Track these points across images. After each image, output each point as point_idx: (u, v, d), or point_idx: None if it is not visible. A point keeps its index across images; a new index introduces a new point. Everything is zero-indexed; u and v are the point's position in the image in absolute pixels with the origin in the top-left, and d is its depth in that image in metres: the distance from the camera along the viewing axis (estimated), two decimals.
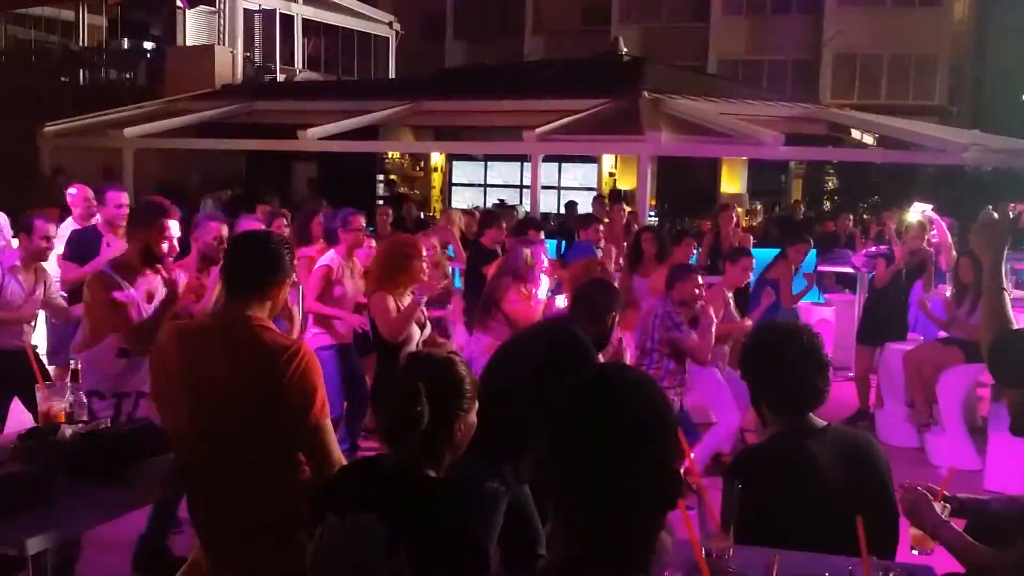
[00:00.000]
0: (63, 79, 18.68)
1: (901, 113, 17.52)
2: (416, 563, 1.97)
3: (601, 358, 4.14)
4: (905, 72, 26.14)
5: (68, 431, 2.92)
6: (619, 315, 4.05)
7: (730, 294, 6.48)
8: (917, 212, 7.71)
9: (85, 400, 3.21)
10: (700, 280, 5.65)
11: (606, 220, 10.23)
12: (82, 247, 5.65)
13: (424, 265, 4.82)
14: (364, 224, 5.96)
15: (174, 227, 4.08)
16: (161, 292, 4.00)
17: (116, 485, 2.78)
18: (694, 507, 2.23)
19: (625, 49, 17.52)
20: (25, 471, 2.76)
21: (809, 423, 2.59)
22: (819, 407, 2.61)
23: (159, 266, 3.98)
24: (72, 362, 3.26)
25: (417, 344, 4.73)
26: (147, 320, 3.89)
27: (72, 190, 6.58)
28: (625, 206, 10.00)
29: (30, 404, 4.01)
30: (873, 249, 8.51)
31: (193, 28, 19.11)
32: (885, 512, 2.54)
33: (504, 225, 8.10)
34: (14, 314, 4.81)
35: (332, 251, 5.82)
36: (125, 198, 5.93)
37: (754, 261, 6.66)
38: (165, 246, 4.00)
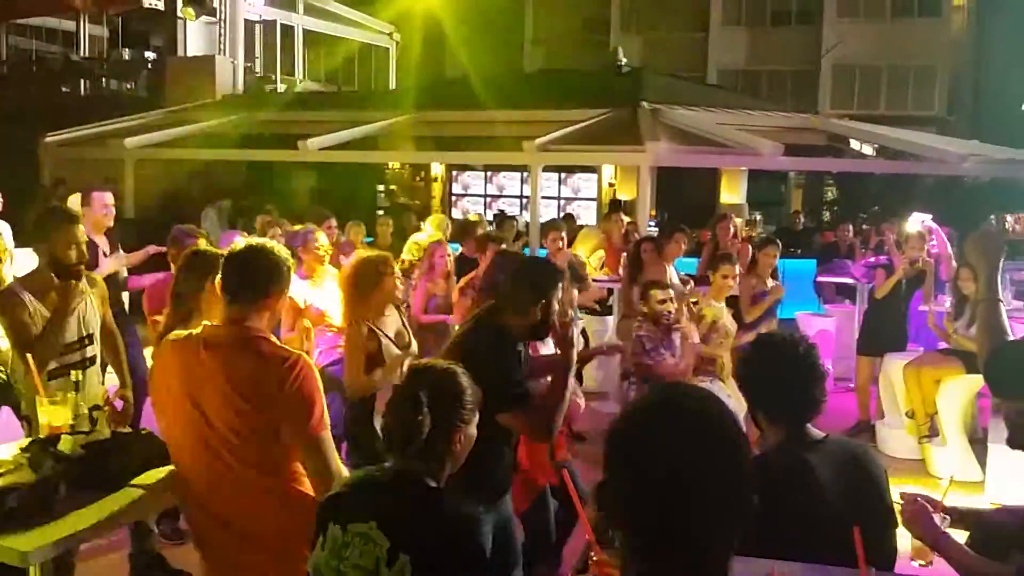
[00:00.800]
0: (64, 89, 18.74)
1: (900, 123, 17.55)
2: (416, 573, 1.98)
3: (549, 347, 4.00)
4: (904, 82, 26.22)
5: (69, 442, 2.93)
6: (559, 296, 3.44)
7: (721, 304, 6.29)
8: (916, 222, 7.71)
9: (87, 411, 3.22)
10: (669, 295, 5.60)
11: (604, 230, 10.27)
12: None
13: (397, 281, 4.36)
14: (327, 242, 5.92)
15: (81, 233, 3.84)
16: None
17: (117, 496, 2.79)
18: None
19: (625, 60, 17.55)
20: (26, 483, 2.77)
21: (807, 434, 2.59)
22: (817, 418, 2.62)
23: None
24: (73, 374, 3.26)
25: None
26: (39, 335, 3.70)
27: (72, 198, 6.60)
28: (624, 216, 10.02)
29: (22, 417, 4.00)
30: (872, 259, 8.52)
31: (194, 38, 19.16)
32: (884, 523, 2.54)
33: (479, 235, 8.03)
34: None
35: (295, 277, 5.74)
36: (110, 198, 5.86)
37: (736, 268, 6.49)
38: (73, 254, 3.78)
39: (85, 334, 3.92)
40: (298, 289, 5.42)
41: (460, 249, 8.03)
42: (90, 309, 3.96)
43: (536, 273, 3.52)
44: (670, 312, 5.51)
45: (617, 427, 1.44)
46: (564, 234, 8.19)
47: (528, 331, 3.39)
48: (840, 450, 2.62)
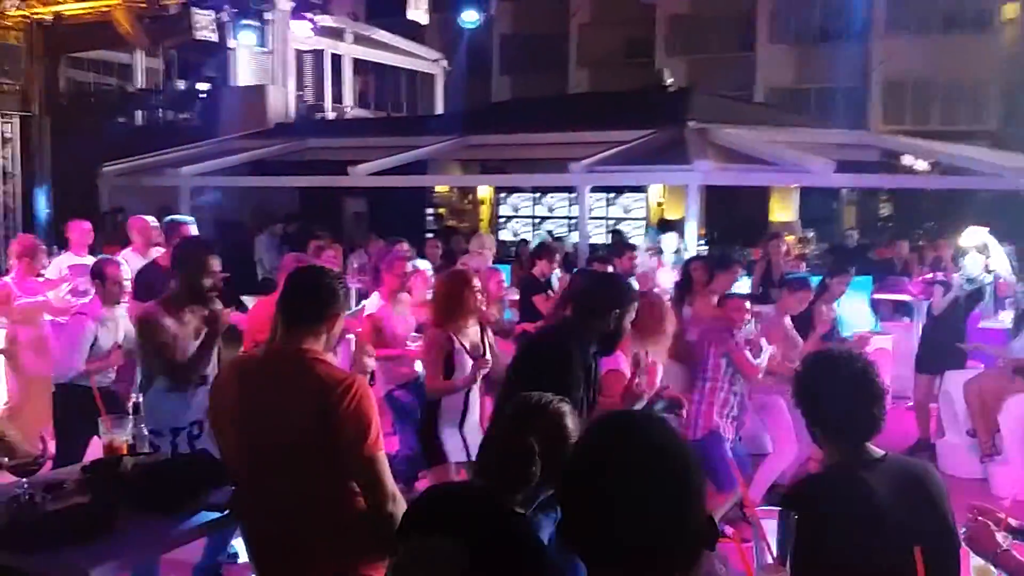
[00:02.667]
0: (121, 120, 19.20)
1: (954, 139, 17.25)
2: None
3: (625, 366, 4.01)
4: (957, 97, 25.77)
5: (130, 463, 2.99)
6: (630, 315, 3.61)
7: (788, 320, 6.27)
8: (973, 238, 7.57)
9: (147, 433, 3.28)
10: (747, 305, 5.61)
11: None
12: (146, 284, 5.75)
13: (479, 296, 4.64)
14: (407, 270, 6.03)
15: (216, 262, 4.11)
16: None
17: (176, 516, 2.83)
18: (750, 539, 2.21)
19: (670, 80, 17.54)
20: (88, 502, 2.83)
21: (866, 453, 2.54)
22: (875, 436, 2.58)
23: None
24: (133, 396, 3.33)
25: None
26: (190, 357, 3.95)
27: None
28: (677, 236, 9.98)
29: None
30: (930, 276, 8.37)
31: (246, 69, 19.56)
32: (945, 542, 2.48)
33: (556, 257, 8.14)
34: (102, 362, 4.91)
35: (376, 296, 5.88)
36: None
37: (811, 293, 6.43)
38: (209, 282, 4.03)
39: None
40: (377, 312, 5.72)
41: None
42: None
43: (615, 284, 3.74)
44: (746, 322, 5.50)
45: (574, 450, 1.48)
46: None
47: (600, 341, 3.48)
48: (900, 469, 2.57)
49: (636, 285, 6.32)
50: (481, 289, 4.73)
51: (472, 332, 4.61)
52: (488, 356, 4.53)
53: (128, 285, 5.19)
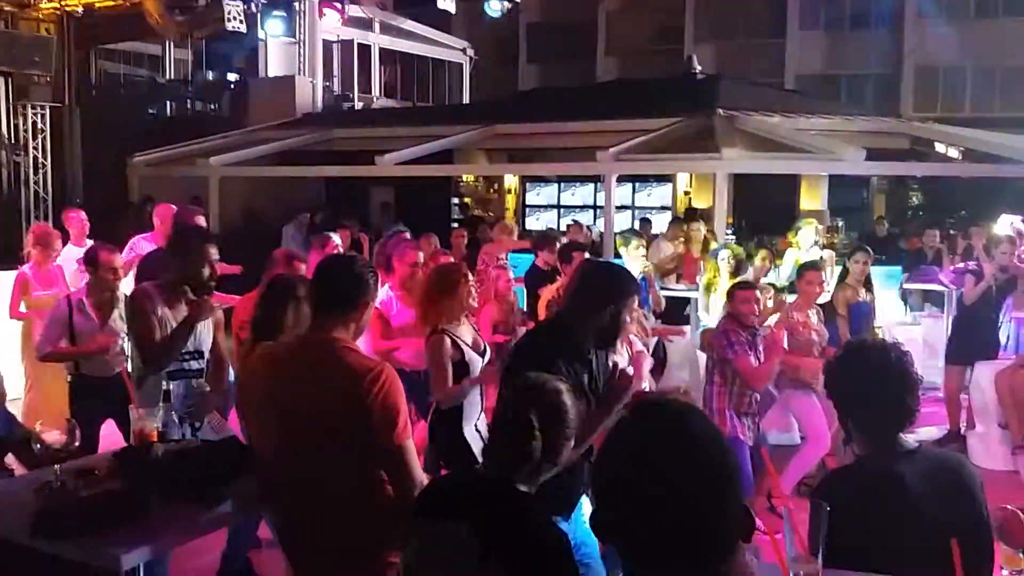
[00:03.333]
0: (151, 111, 19.37)
1: (987, 126, 16.98)
2: (506, 572, 1.99)
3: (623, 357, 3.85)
4: (990, 83, 25.35)
5: (160, 450, 3.02)
6: (629, 310, 3.41)
7: (812, 312, 6.16)
8: (1006, 226, 7.46)
9: (177, 420, 3.31)
10: (756, 296, 5.51)
11: (682, 240, 10.15)
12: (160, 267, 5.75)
13: (472, 289, 4.47)
14: (420, 260, 5.96)
15: (214, 252, 4.08)
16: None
17: (206, 503, 2.85)
18: (781, 531, 2.19)
19: (699, 67, 17.38)
20: (120, 489, 2.86)
21: (899, 444, 2.51)
22: (909, 427, 2.54)
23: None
24: (163, 383, 3.36)
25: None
26: (163, 340, 3.94)
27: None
28: (702, 225, 9.90)
29: (123, 427, 4.15)
30: (961, 265, 8.26)
31: (274, 59, 19.63)
32: (980, 535, 2.45)
33: (557, 246, 8.03)
34: (84, 347, 4.88)
35: (386, 287, 5.80)
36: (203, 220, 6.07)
37: (819, 275, 6.31)
38: (207, 271, 4.01)
39: (194, 349, 4.11)
40: (385, 302, 5.58)
41: (536, 259, 8.03)
42: (205, 328, 4.15)
43: (610, 277, 3.49)
44: (755, 313, 5.42)
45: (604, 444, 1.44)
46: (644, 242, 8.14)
47: (596, 336, 3.32)
48: (934, 461, 2.53)
49: None
50: (474, 284, 4.58)
51: (466, 329, 4.46)
52: (488, 352, 4.44)
53: (121, 272, 5.22)
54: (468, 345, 4.32)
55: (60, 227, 7.49)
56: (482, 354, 4.41)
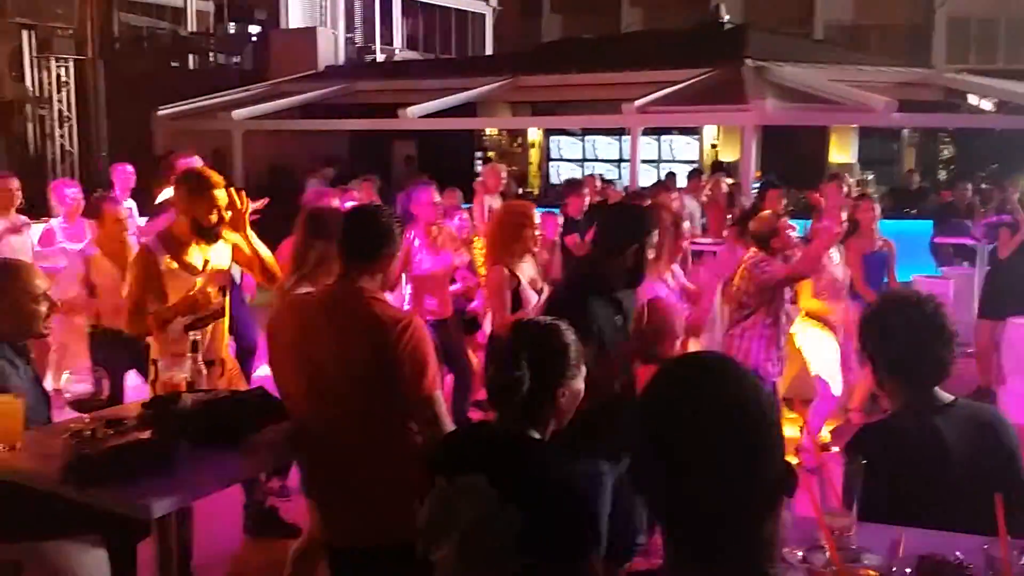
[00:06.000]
0: (174, 64, 19.31)
1: (1020, 77, 16.61)
2: (524, 522, 1.98)
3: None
4: (1023, 35, 24.78)
5: (188, 400, 3.02)
6: (651, 245, 3.42)
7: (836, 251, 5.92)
8: None
9: (205, 370, 3.31)
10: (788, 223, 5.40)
11: (707, 192, 10.03)
12: None
13: (535, 232, 4.62)
14: (434, 197, 5.89)
15: (222, 197, 3.90)
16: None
17: (234, 452, 2.86)
18: (815, 485, 2.16)
19: (727, 17, 17.07)
20: (149, 439, 2.87)
21: (935, 397, 2.47)
22: (945, 380, 2.50)
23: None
24: (191, 334, 3.35)
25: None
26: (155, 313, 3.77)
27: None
28: (728, 178, 9.78)
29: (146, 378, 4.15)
30: (994, 219, 8.11)
31: (296, 11, 19.48)
32: (1016, 489, 2.40)
33: (584, 191, 7.97)
34: (110, 300, 4.89)
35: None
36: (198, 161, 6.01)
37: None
38: (214, 217, 3.84)
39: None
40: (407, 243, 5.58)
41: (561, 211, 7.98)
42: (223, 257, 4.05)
43: (630, 215, 3.54)
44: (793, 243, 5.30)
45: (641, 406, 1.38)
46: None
47: (624, 278, 3.34)
48: (970, 414, 2.49)
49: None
50: (539, 226, 4.68)
51: (528, 268, 4.60)
52: (545, 291, 4.51)
53: (128, 223, 5.20)
54: (526, 282, 4.49)
55: (90, 181, 7.50)
56: (539, 292, 4.54)
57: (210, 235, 3.88)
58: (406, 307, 5.61)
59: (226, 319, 4.05)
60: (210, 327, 3.93)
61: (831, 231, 5.13)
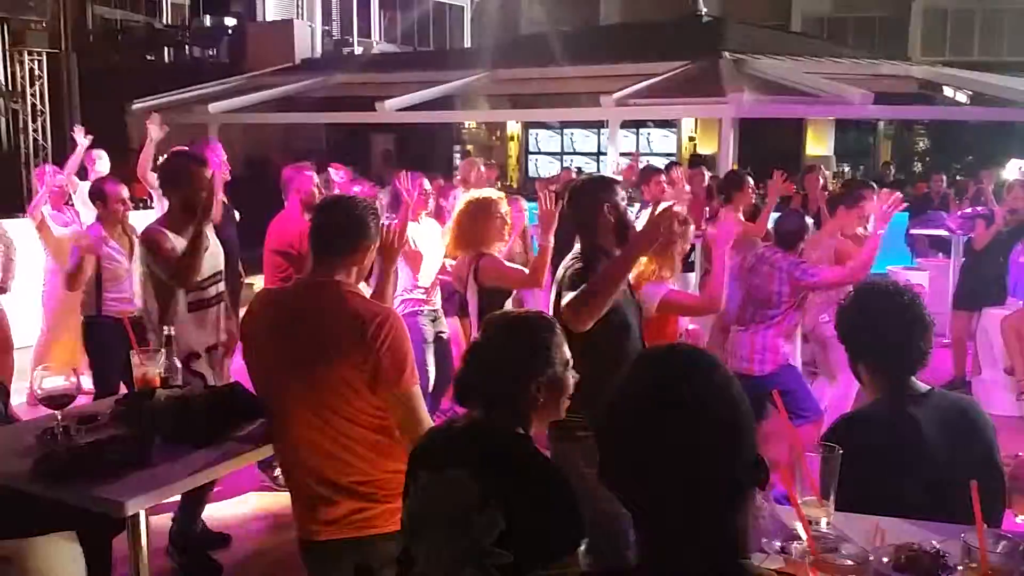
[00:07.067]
0: (149, 57, 19.12)
1: (995, 69, 16.75)
2: (508, 517, 1.96)
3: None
4: (998, 27, 24.96)
5: (163, 395, 2.99)
6: (623, 196, 3.50)
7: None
8: (1015, 170, 7.37)
9: (179, 365, 3.28)
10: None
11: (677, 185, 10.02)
12: None
13: (505, 219, 4.60)
14: (427, 187, 5.85)
15: (209, 176, 4.01)
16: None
17: (209, 448, 2.83)
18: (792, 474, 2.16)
19: (705, 10, 17.10)
20: (123, 435, 2.83)
21: (911, 387, 2.48)
22: (922, 370, 2.51)
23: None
24: (166, 329, 3.31)
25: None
26: (182, 255, 3.89)
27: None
28: (706, 171, 9.78)
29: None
30: (970, 210, 8.18)
31: (272, 4, 19.34)
32: (991, 478, 2.42)
33: (663, 179, 7.88)
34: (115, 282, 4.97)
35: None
36: (222, 152, 6.03)
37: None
38: (204, 195, 3.93)
39: (214, 272, 4.10)
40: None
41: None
42: (215, 247, 4.12)
43: (590, 184, 3.61)
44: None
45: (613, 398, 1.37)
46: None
47: (615, 239, 3.39)
48: (946, 404, 2.50)
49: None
50: (506, 215, 4.63)
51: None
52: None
53: (130, 204, 5.35)
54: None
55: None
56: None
57: (194, 215, 3.92)
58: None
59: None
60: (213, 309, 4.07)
61: (878, 238, 5.08)
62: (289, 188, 5.41)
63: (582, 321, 3.07)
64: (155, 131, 6.57)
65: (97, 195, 5.33)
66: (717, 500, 1.28)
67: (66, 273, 5.35)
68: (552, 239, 4.16)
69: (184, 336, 3.81)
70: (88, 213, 6.40)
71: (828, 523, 2.09)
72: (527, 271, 4.45)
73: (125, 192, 5.35)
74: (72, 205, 7.13)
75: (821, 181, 8.53)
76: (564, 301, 3.15)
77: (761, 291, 5.12)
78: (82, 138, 7.23)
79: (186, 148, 5.30)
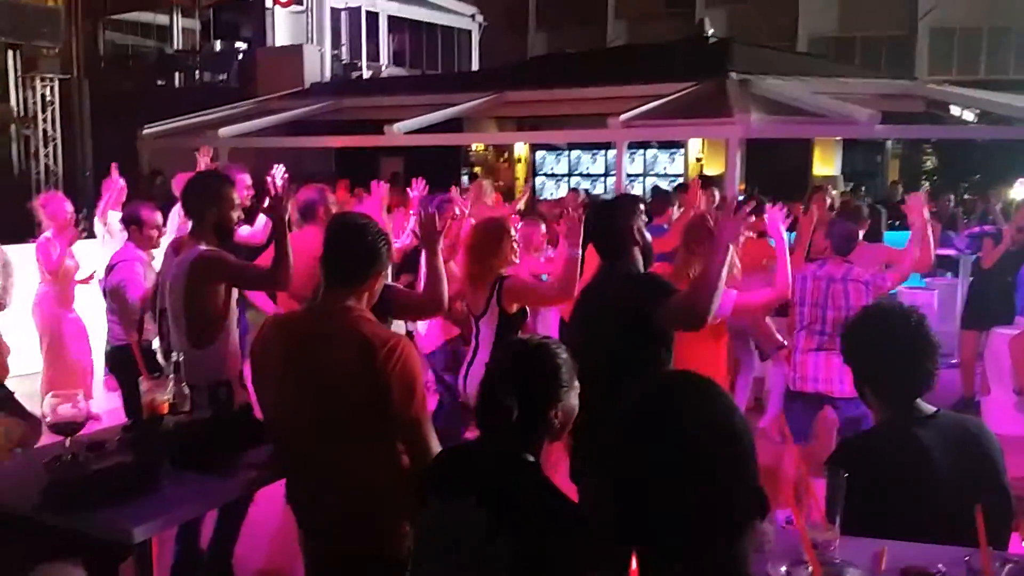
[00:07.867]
0: (159, 82, 19.30)
1: (1002, 88, 16.75)
2: (517, 546, 1.95)
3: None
4: (1005, 45, 24.99)
5: (171, 422, 3.00)
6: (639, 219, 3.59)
7: None
8: (1023, 190, 7.37)
9: (187, 392, 3.28)
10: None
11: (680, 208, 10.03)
12: None
13: (515, 244, 4.49)
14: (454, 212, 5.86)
15: (238, 196, 3.91)
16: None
17: (217, 475, 2.84)
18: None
19: (711, 31, 17.17)
20: (130, 461, 2.84)
21: (918, 409, 2.47)
22: (928, 392, 2.50)
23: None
24: (174, 355, 3.32)
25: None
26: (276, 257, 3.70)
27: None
28: (716, 191, 9.79)
29: None
30: (978, 229, 8.17)
31: (282, 28, 19.51)
32: (999, 501, 2.41)
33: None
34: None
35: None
36: (249, 179, 6.03)
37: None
38: (236, 215, 3.82)
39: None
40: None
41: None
42: None
43: (608, 207, 3.74)
44: None
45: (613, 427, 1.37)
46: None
47: (646, 256, 3.55)
48: (953, 426, 2.49)
49: None
50: (518, 239, 4.57)
51: None
52: None
53: (164, 231, 5.28)
54: None
55: (75, 200, 7.41)
56: None
57: (229, 236, 3.88)
58: None
59: None
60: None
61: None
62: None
63: (711, 314, 3.19)
64: (205, 161, 6.65)
65: (132, 220, 5.29)
66: (717, 530, 1.28)
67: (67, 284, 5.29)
68: (580, 251, 4.07)
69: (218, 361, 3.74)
70: (110, 241, 6.40)
71: (834, 547, 2.08)
72: (555, 284, 4.31)
73: (159, 218, 5.36)
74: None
75: (828, 201, 8.52)
76: (683, 302, 3.23)
77: (852, 311, 5.02)
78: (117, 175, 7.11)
79: (207, 171, 5.32)
